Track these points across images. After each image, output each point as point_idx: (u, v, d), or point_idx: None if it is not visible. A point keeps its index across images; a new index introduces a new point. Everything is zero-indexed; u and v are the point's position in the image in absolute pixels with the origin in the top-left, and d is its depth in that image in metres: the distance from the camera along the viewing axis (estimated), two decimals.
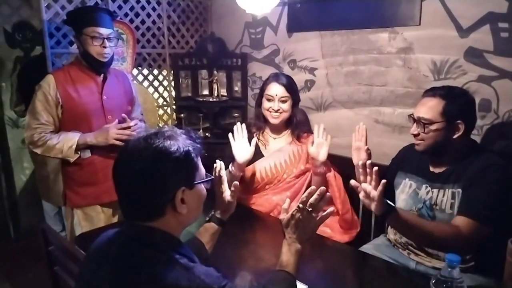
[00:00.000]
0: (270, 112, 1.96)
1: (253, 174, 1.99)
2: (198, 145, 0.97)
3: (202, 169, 0.98)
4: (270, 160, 1.99)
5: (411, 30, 2.08)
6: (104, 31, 1.88)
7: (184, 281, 0.83)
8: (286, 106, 1.95)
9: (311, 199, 1.08)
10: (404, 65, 2.14)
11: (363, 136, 1.81)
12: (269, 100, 1.96)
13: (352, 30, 2.32)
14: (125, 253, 0.88)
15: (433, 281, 1.05)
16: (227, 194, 1.32)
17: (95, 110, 1.96)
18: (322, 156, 1.88)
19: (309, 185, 1.93)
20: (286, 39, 2.66)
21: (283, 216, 1.13)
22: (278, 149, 2.02)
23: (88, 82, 1.96)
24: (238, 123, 1.94)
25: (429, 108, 1.49)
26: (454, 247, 1.33)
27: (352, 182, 1.37)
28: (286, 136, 2.06)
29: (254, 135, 2.02)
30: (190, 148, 0.93)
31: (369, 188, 1.32)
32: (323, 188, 1.09)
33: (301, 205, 1.09)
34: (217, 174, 1.31)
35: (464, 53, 1.91)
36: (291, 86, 1.97)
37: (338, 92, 2.46)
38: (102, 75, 2.01)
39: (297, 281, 1.07)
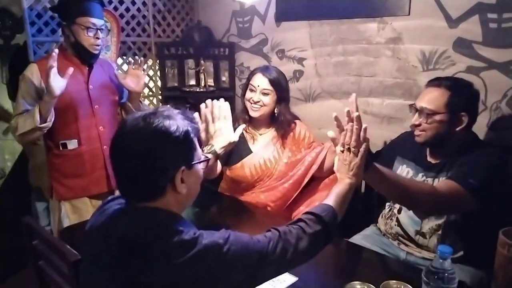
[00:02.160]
0: (251, 103, 1.92)
1: (242, 172, 1.95)
2: (196, 125, 0.97)
3: (199, 150, 0.98)
4: (259, 157, 1.95)
5: (400, 20, 2.07)
6: (97, 21, 1.85)
7: (193, 249, 0.84)
8: (267, 99, 1.90)
9: (347, 138, 1.15)
10: (393, 55, 2.13)
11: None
12: (251, 90, 1.92)
13: (341, 19, 2.30)
14: (131, 232, 0.88)
15: (425, 273, 1.05)
16: (231, 134, 1.52)
17: (81, 99, 1.92)
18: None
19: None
20: (275, 29, 2.63)
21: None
22: (265, 145, 1.98)
23: (76, 72, 1.91)
24: (208, 101, 1.61)
25: (434, 99, 1.47)
26: (428, 204, 1.33)
27: (330, 133, 1.22)
28: (270, 133, 2.01)
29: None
30: (189, 128, 0.93)
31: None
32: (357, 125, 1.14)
33: (341, 148, 1.16)
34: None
35: (453, 44, 1.91)
36: (277, 81, 1.91)
37: (327, 83, 2.44)
38: (89, 64, 1.97)
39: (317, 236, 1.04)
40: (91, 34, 1.84)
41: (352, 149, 1.15)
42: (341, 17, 2.29)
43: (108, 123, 2.01)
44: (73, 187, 1.98)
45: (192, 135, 0.93)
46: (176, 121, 0.91)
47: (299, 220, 1.04)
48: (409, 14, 2.02)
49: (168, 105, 0.97)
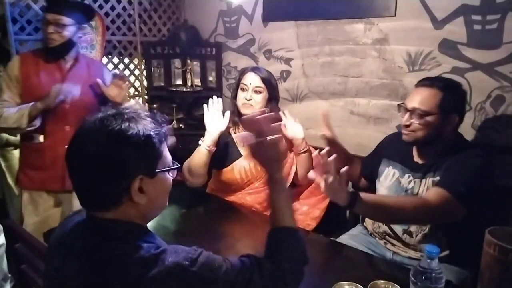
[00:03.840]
0: (243, 102, 1.89)
1: (233, 175, 1.92)
2: (163, 130, 0.88)
3: (168, 157, 0.90)
4: (249, 160, 1.91)
5: (386, 21, 2.08)
6: (51, 16, 1.89)
7: (153, 268, 0.77)
8: (259, 98, 1.88)
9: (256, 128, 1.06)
10: (379, 56, 2.15)
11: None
12: (243, 89, 1.90)
13: (328, 20, 2.30)
14: (89, 248, 0.82)
15: (412, 272, 1.06)
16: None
17: None
18: (300, 133, 1.86)
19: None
20: (262, 29, 2.62)
21: None
22: None
23: (52, 69, 1.98)
24: (214, 96, 1.87)
25: (426, 99, 1.46)
26: (424, 219, 1.36)
27: (311, 174, 1.27)
28: None
29: (231, 130, 1.96)
30: (152, 133, 0.84)
31: (330, 179, 1.21)
32: (255, 113, 1.11)
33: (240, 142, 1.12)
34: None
35: (438, 45, 1.93)
36: (268, 80, 1.90)
37: (314, 83, 2.45)
38: (69, 63, 2.01)
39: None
40: (46, 28, 1.89)
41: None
42: (328, 17, 2.30)
43: (78, 123, 1.96)
44: (33, 178, 2.04)
45: (155, 140, 0.84)
46: (137, 124, 0.83)
47: (282, 261, 0.93)
48: (395, 15, 2.04)
49: (138, 106, 0.91)
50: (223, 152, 1.93)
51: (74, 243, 0.86)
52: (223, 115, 1.83)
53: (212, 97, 1.86)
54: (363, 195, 1.28)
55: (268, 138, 1.04)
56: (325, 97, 2.41)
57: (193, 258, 0.81)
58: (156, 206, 0.91)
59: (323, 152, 1.23)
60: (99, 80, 2.03)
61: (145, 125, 0.84)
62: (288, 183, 1.89)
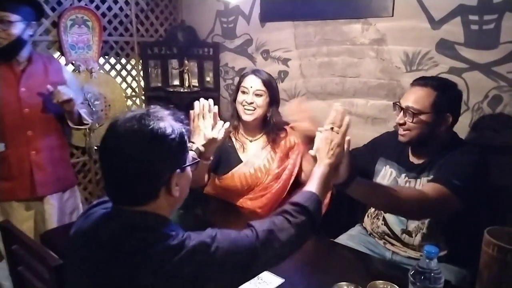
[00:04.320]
0: (244, 106, 1.85)
1: (233, 182, 1.89)
2: (187, 126, 0.95)
3: (189, 151, 0.98)
4: (250, 166, 1.89)
5: (384, 21, 2.08)
6: None
7: (181, 252, 0.82)
8: (261, 101, 1.84)
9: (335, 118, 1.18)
10: (377, 56, 2.15)
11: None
12: (243, 92, 1.86)
13: (325, 20, 2.30)
14: (117, 239, 0.85)
15: (411, 272, 1.06)
16: (208, 131, 1.52)
17: (10, 102, 1.85)
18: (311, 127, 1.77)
19: (295, 182, 1.90)
20: (259, 29, 2.62)
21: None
22: (255, 153, 1.92)
23: (6, 73, 1.86)
24: (202, 99, 1.63)
25: (419, 98, 1.47)
26: (419, 211, 1.35)
27: (312, 151, 1.21)
28: (262, 139, 1.95)
29: (231, 134, 1.94)
30: (184, 130, 0.91)
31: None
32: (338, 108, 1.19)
33: (328, 127, 1.18)
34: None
35: (436, 45, 1.93)
36: (269, 82, 1.87)
37: (312, 83, 2.45)
38: (22, 65, 1.89)
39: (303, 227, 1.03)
40: None
41: (335, 129, 1.18)
42: (325, 18, 2.30)
43: (40, 127, 1.93)
44: (2, 190, 1.93)
45: (186, 137, 0.92)
46: (170, 123, 0.89)
47: (284, 211, 1.03)
48: (392, 16, 2.04)
49: (157, 106, 0.95)
50: (223, 157, 1.90)
51: (102, 233, 0.88)
52: (219, 122, 1.61)
53: (199, 100, 1.64)
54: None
55: (342, 128, 1.18)
56: (322, 97, 2.41)
57: (213, 236, 0.88)
58: (183, 197, 0.97)
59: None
60: (49, 87, 1.87)
61: (175, 123, 0.90)
62: (293, 178, 1.89)
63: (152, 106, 0.94)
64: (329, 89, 2.37)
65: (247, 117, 1.86)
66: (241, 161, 1.90)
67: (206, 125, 1.59)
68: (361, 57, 2.20)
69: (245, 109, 1.86)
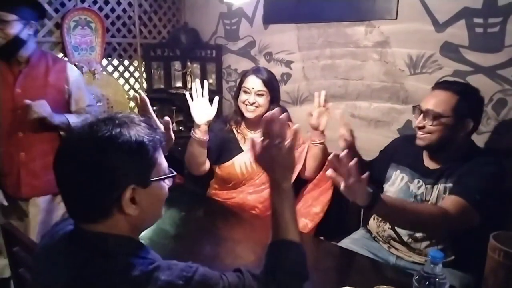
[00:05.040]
0: (246, 105, 1.92)
1: (233, 170, 1.94)
2: (157, 136, 0.82)
3: (163, 164, 0.84)
4: (250, 155, 1.93)
5: (387, 24, 2.07)
6: None
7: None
8: (262, 100, 1.90)
9: (273, 129, 0.93)
10: (381, 59, 2.14)
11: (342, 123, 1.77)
12: (245, 92, 1.92)
13: (328, 23, 2.29)
14: (76, 264, 0.77)
15: (416, 278, 1.04)
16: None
17: (5, 102, 1.86)
18: (323, 125, 1.84)
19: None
20: (262, 31, 2.61)
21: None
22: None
23: (5, 72, 1.86)
24: (197, 80, 1.85)
25: (441, 102, 1.45)
26: (442, 227, 1.34)
27: (329, 172, 1.19)
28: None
29: (232, 128, 2.00)
30: (145, 139, 0.78)
31: (351, 181, 1.15)
32: (276, 112, 0.94)
33: (261, 138, 0.95)
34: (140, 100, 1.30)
35: (440, 48, 1.92)
36: (270, 81, 1.92)
37: (315, 86, 2.44)
38: (23, 65, 1.89)
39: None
40: None
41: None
42: (329, 20, 2.29)
43: (31, 129, 1.91)
44: None
45: (149, 147, 0.79)
46: (130, 130, 0.77)
47: (274, 271, 0.87)
48: (396, 18, 2.03)
49: (129, 112, 0.85)
50: (224, 148, 1.96)
51: (61, 256, 0.81)
52: (211, 103, 1.81)
53: (194, 82, 1.84)
54: (384, 196, 1.26)
55: (286, 142, 0.93)
56: (325, 100, 2.39)
57: (188, 276, 0.76)
58: (149, 217, 0.85)
59: (342, 155, 1.16)
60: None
61: (138, 131, 0.79)
62: (296, 174, 1.88)
63: (122, 112, 0.83)
64: (332, 92, 2.35)
65: (249, 114, 1.93)
66: (242, 150, 1.96)
67: (204, 103, 1.79)
68: (365, 59, 2.20)
69: (247, 107, 1.92)
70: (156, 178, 0.82)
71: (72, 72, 2.02)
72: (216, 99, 1.83)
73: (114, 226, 0.79)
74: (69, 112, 2.00)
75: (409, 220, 1.33)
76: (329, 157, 1.18)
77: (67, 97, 1.99)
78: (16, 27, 1.79)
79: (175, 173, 0.88)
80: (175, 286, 0.74)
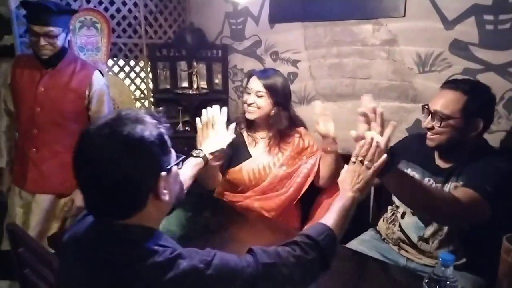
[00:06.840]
0: (247, 105, 1.90)
1: (240, 175, 1.91)
2: (166, 124, 0.88)
3: (173, 149, 0.90)
4: (258, 162, 1.91)
5: (395, 21, 2.04)
6: (38, 29, 1.81)
7: (169, 272, 0.76)
8: (262, 102, 1.86)
9: (364, 150, 1.09)
10: (388, 57, 2.11)
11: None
12: (247, 93, 1.91)
13: (335, 21, 2.27)
14: (103, 252, 0.80)
15: (426, 280, 1.02)
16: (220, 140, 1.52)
17: (26, 99, 1.94)
18: (331, 131, 1.73)
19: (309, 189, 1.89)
20: (268, 30, 2.59)
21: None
22: (264, 149, 1.94)
23: (34, 71, 1.95)
24: (209, 108, 1.63)
25: (449, 102, 1.41)
26: (451, 214, 1.29)
27: (354, 132, 1.15)
28: (268, 137, 1.96)
29: (243, 131, 1.96)
30: (162, 130, 0.85)
31: (376, 135, 1.11)
32: (372, 135, 1.09)
33: (354, 159, 1.10)
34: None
35: (449, 46, 1.89)
36: (271, 84, 1.86)
37: (321, 85, 2.41)
38: (51, 66, 1.96)
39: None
40: (34, 39, 1.84)
41: (366, 163, 1.09)
42: (335, 18, 2.26)
43: (47, 129, 1.97)
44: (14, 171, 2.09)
45: (166, 136, 0.85)
46: (146, 124, 0.82)
47: (294, 242, 0.95)
48: (404, 16, 2.00)
49: (131, 108, 0.90)
50: (233, 152, 1.92)
51: (88, 245, 0.85)
52: (227, 127, 1.60)
53: (211, 106, 1.63)
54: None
55: (376, 164, 1.08)
56: (332, 99, 2.37)
57: (208, 261, 0.80)
58: (173, 198, 0.90)
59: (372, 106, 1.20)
60: (101, 85, 2.02)
61: (152, 124, 0.84)
62: (308, 183, 1.87)
63: (124, 109, 0.87)
64: (339, 91, 2.33)
65: (248, 115, 1.91)
66: (250, 156, 1.93)
67: (218, 134, 1.58)
68: (372, 58, 2.17)
69: (248, 108, 1.90)
70: (175, 163, 0.89)
71: (98, 80, 2.04)
72: (232, 126, 1.60)
73: (145, 216, 0.83)
74: (87, 116, 2.05)
75: (422, 199, 1.27)
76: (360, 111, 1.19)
77: (86, 102, 2.02)
78: (62, 38, 1.90)
79: (183, 156, 0.96)
80: (196, 269, 0.78)
